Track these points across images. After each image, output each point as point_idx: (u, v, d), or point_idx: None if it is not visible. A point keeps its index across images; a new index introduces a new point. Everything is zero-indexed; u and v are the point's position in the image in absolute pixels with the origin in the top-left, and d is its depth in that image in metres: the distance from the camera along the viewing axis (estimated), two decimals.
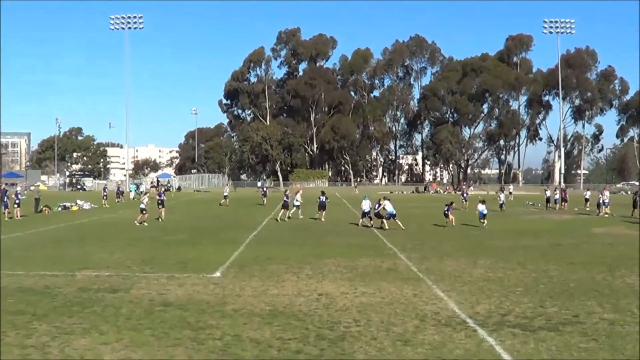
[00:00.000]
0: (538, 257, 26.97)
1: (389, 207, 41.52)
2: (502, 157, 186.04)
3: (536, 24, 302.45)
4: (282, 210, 48.55)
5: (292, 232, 38.72)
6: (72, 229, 41.90)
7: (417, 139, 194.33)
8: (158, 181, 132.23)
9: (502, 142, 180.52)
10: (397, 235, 36.49)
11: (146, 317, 15.48)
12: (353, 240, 33.84)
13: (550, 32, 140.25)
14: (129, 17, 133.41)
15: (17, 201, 51.20)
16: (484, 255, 27.47)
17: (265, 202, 73.45)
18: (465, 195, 67.77)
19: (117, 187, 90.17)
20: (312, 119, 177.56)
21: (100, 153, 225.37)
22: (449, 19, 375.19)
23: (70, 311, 16.11)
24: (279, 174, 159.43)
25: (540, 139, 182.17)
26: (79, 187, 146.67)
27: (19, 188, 64.65)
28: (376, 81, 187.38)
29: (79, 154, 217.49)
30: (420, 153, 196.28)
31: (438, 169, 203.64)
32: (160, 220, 46.35)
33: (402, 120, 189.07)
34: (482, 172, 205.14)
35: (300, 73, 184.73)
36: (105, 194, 72.56)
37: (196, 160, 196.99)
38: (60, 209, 62.16)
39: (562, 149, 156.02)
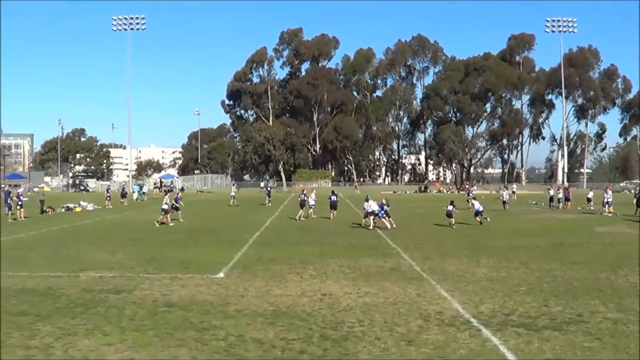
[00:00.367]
0: (541, 256, 26.95)
1: (374, 206, 41.85)
2: (505, 156, 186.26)
3: (538, 23, 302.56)
4: (301, 210, 48.86)
5: (295, 233, 38.73)
6: (76, 230, 41.91)
7: (420, 138, 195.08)
8: (161, 182, 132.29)
9: (505, 141, 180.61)
10: (400, 235, 36.47)
11: (150, 318, 15.49)
12: (356, 241, 33.82)
13: (553, 31, 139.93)
14: (132, 18, 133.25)
15: (20, 202, 51.20)
16: (486, 254, 27.44)
17: (269, 202, 73.09)
18: (470, 195, 67.59)
19: (122, 188, 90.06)
20: (314, 119, 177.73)
21: (103, 154, 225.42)
22: (451, 19, 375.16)
23: (73, 312, 16.12)
24: (282, 174, 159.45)
25: (543, 138, 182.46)
26: (82, 188, 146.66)
27: (21, 189, 64.75)
28: (379, 81, 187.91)
29: (82, 155, 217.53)
30: (423, 153, 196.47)
31: (441, 169, 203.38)
32: (179, 221, 46.05)
33: (404, 120, 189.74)
34: (485, 171, 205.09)
35: (303, 73, 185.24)
36: (108, 195, 72.47)
37: (199, 161, 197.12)
38: (63, 210, 62.20)
39: (565, 148, 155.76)
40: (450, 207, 44.47)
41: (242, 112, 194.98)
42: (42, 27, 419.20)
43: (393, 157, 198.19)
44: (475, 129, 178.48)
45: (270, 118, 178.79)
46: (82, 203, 68.32)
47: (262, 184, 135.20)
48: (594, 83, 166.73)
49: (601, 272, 22.47)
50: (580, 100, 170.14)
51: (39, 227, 42.97)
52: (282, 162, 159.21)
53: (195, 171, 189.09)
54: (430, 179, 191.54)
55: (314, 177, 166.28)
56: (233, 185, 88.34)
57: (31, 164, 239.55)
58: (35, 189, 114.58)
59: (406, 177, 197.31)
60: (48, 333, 14.10)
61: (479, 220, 44.56)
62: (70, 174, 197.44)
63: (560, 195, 65.82)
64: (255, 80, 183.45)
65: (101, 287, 19.62)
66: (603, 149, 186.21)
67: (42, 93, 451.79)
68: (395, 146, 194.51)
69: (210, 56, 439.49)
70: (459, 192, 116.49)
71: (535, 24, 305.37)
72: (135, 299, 17.79)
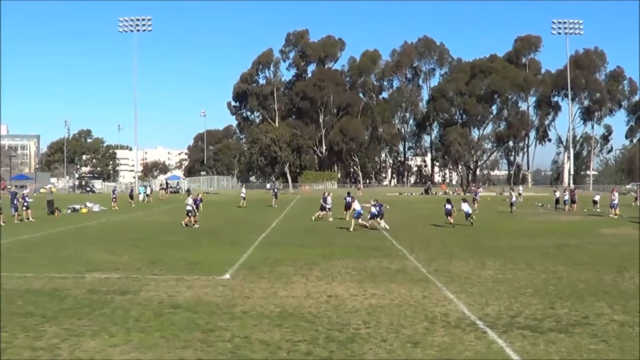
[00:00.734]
0: (547, 258, 26.95)
1: (357, 206, 42.43)
2: (511, 158, 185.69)
3: (544, 25, 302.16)
4: (320, 212, 49.28)
5: (301, 234, 38.74)
6: (82, 231, 41.94)
7: (426, 140, 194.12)
8: (167, 183, 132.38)
9: (511, 143, 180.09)
10: (405, 236, 36.48)
11: (155, 319, 15.50)
12: (361, 242, 33.82)
13: (559, 33, 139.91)
14: (138, 20, 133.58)
15: (26, 204, 51.27)
16: (492, 256, 27.45)
17: (275, 203, 73.11)
18: (476, 196, 67.51)
19: (131, 190, 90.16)
20: (320, 120, 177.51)
21: (109, 155, 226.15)
22: (457, 20, 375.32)
23: (79, 313, 16.14)
24: (288, 175, 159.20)
25: (550, 140, 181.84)
26: (88, 189, 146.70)
27: (27, 190, 64.78)
28: (385, 83, 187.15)
29: (88, 157, 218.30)
30: (429, 154, 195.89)
31: (447, 171, 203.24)
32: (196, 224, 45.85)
33: (411, 121, 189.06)
34: (491, 173, 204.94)
35: (309, 75, 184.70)
36: (114, 196, 72.55)
37: (205, 162, 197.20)
38: (69, 211, 62.25)
39: (571, 150, 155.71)
40: (448, 206, 44.74)
41: (248, 113, 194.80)
42: (49, 29, 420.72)
43: (399, 158, 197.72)
44: (481, 131, 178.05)
45: (277, 119, 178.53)
46: (88, 204, 68.35)
47: (268, 186, 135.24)
48: (600, 85, 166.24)
49: (607, 274, 22.47)
50: (586, 102, 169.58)
51: (45, 228, 43.00)
52: (288, 164, 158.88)
53: (201, 172, 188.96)
54: (436, 180, 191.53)
55: (320, 178, 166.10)
56: (242, 187, 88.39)
57: (37, 165, 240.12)
58: (42, 190, 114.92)
59: (412, 179, 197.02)
60: (54, 334, 14.12)
61: (470, 221, 44.77)
62: (77, 175, 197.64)
63: (566, 198, 65.78)
64: (262, 81, 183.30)
65: (107, 288, 19.64)
66: (609, 151, 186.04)
67: (48, 94, 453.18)
68: (401, 148, 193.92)
69: (216, 58, 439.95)
70: (465, 193, 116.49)
71: (541, 26, 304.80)
72: (141, 300, 17.81)
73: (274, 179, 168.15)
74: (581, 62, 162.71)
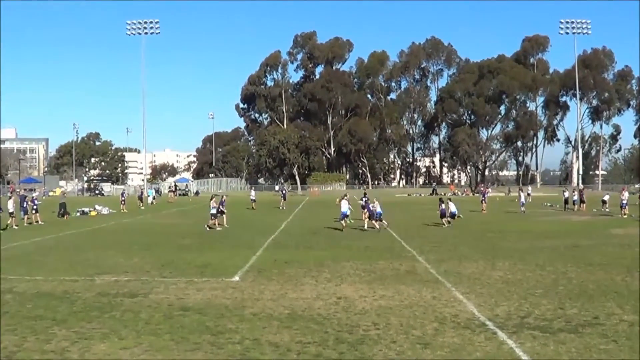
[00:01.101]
0: (556, 258, 26.89)
1: (344, 206, 42.88)
2: (520, 158, 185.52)
3: (552, 25, 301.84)
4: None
5: (310, 236, 38.73)
6: (91, 234, 42.04)
7: (435, 141, 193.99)
8: (176, 186, 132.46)
9: (519, 143, 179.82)
10: (415, 237, 36.45)
11: (165, 322, 15.52)
12: (371, 243, 33.80)
13: (567, 33, 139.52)
14: (145, 22, 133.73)
15: (35, 207, 51.42)
16: (502, 257, 27.40)
17: (283, 205, 73.04)
18: (484, 197, 67.36)
19: (140, 192, 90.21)
20: (329, 122, 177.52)
21: (118, 158, 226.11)
22: (465, 21, 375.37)
23: (89, 316, 16.17)
24: (297, 177, 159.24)
25: (558, 140, 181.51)
26: (97, 192, 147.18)
27: (36, 194, 64.97)
28: (393, 84, 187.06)
29: (96, 159, 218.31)
30: (437, 155, 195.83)
31: (456, 171, 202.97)
32: (222, 227, 45.55)
33: (419, 122, 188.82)
34: (500, 173, 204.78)
35: (317, 76, 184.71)
36: (123, 198, 72.60)
37: (214, 164, 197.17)
38: (78, 214, 62.39)
39: (580, 150, 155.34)
40: (443, 207, 44.85)
41: (257, 115, 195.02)
42: (57, 32, 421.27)
43: (407, 159, 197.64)
44: (489, 131, 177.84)
45: (285, 121, 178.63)
46: (97, 207, 68.49)
47: (276, 187, 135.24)
48: (608, 85, 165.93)
49: (617, 274, 22.40)
50: (594, 102, 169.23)
51: (54, 231, 43.09)
52: (296, 166, 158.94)
53: (210, 175, 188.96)
54: (445, 181, 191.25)
55: (328, 180, 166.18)
56: (251, 189, 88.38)
57: (46, 168, 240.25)
58: (51, 193, 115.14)
59: (421, 180, 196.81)
60: (64, 337, 14.14)
61: (449, 220, 44.92)
62: (85, 178, 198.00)
63: (576, 198, 65.64)
64: (270, 83, 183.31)
65: (117, 291, 19.67)
66: (618, 151, 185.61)
67: (56, 97, 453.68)
68: (409, 149, 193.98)
69: (224, 60, 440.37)
70: (473, 194, 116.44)
71: (549, 26, 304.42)
72: (151, 303, 17.83)
73: (282, 181, 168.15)
74: (589, 62, 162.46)
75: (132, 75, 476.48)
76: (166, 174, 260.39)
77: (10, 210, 47.16)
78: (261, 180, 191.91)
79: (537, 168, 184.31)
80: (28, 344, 13.59)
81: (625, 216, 52.60)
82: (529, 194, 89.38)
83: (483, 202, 63.89)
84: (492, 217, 55.20)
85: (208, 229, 43.39)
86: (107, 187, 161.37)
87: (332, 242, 34.61)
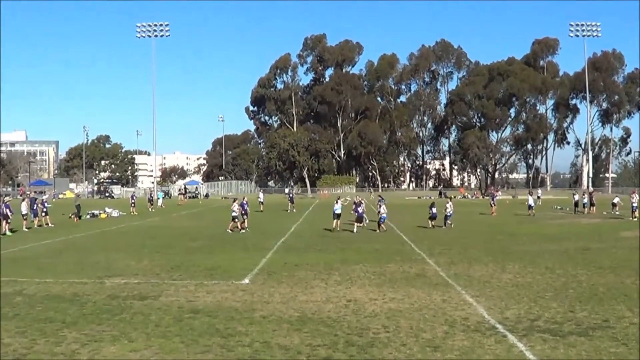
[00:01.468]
0: (567, 261, 26.85)
1: (337, 208, 43.88)
2: (530, 161, 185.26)
3: (562, 27, 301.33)
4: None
5: (320, 239, 38.71)
6: (101, 237, 42.07)
7: (445, 144, 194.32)
8: (186, 188, 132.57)
9: (529, 146, 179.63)
10: (425, 240, 36.41)
11: (175, 324, 15.52)
12: (380, 246, 33.77)
13: (577, 36, 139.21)
14: (155, 25, 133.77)
15: (45, 209, 51.53)
16: (512, 260, 27.37)
17: (292, 208, 73.00)
18: (493, 200, 67.25)
19: (150, 194, 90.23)
20: (339, 124, 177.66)
21: (128, 161, 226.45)
22: (474, 24, 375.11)
23: (99, 318, 16.19)
24: (307, 180, 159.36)
25: (568, 143, 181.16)
26: (107, 194, 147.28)
27: (46, 196, 65.06)
28: (402, 86, 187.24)
29: (106, 162, 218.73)
30: (447, 158, 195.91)
31: (465, 174, 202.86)
32: (246, 230, 45.36)
33: (429, 125, 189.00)
34: (510, 176, 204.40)
35: (327, 79, 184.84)
36: (133, 201, 72.62)
37: (223, 167, 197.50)
38: (88, 216, 62.42)
39: (590, 153, 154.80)
40: (434, 210, 45.01)
41: (266, 118, 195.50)
42: (67, 34, 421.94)
43: (417, 162, 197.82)
44: (499, 134, 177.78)
45: (295, 124, 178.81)
46: (107, 209, 68.55)
47: (286, 190, 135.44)
48: (618, 87, 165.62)
49: (627, 277, 22.34)
50: (604, 105, 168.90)
51: (64, 234, 43.16)
52: (306, 168, 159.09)
53: (220, 177, 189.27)
54: (455, 184, 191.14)
55: (338, 182, 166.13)
56: (260, 191, 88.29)
57: (56, 171, 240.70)
58: (61, 195, 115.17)
59: (430, 183, 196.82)
60: (74, 339, 14.16)
61: (450, 222, 45.26)
62: (95, 181, 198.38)
63: (586, 200, 65.49)
64: (279, 86, 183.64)
65: (127, 294, 19.70)
66: (628, 154, 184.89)
67: (67, 100, 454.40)
68: (419, 152, 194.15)
69: (234, 63, 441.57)
70: (483, 197, 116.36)
71: (558, 29, 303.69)
72: (161, 305, 17.85)
73: (292, 184, 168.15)
74: (599, 65, 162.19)
75: (142, 78, 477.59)
76: (176, 176, 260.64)
77: (24, 213, 47.40)
78: (271, 183, 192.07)
79: (547, 171, 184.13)
80: (38, 346, 13.61)
81: (636, 219, 52.42)
82: (539, 197, 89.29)
83: (492, 204, 63.86)
84: (501, 219, 55.15)
85: (230, 231, 43.31)
86: (117, 190, 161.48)
87: (342, 245, 34.58)
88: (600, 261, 26.75)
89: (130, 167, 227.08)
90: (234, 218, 44.30)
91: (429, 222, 45.65)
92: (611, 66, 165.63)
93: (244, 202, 46.53)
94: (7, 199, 52.07)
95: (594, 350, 13.05)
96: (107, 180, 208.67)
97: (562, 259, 27.73)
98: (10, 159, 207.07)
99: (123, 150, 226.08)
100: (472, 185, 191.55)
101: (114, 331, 14.85)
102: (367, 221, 46.90)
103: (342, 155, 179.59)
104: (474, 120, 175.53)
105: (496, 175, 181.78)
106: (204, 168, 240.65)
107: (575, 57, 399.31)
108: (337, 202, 44.39)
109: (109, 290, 20.28)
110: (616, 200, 64.27)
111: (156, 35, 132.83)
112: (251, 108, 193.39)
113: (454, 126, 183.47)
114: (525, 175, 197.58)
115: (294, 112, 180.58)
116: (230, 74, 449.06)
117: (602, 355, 12.74)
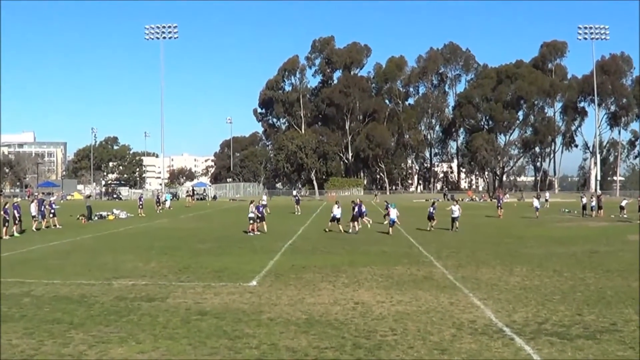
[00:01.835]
0: (574, 264, 26.83)
1: (336, 211, 44.35)
2: (538, 164, 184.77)
3: (570, 30, 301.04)
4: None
5: (328, 241, 38.67)
6: (108, 238, 42.10)
7: (452, 146, 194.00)
8: (193, 190, 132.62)
9: (537, 149, 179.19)
10: (432, 242, 36.40)
11: (183, 326, 15.55)
12: (388, 249, 33.77)
13: (585, 39, 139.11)
14: (164, 27, 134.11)
15: (53, 211, 51.62)
16: (519, 263, 27.35)
17: (298, 210, 73.05)
18: (500, 202, 67.19)
19: (157, 196, 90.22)
20: (347, 127, 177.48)
21: (136, 162, 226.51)
22: (483, 26, 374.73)
23: (107, 320, 16.22)
24: (315, 182, 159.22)
25: (576, 146, 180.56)
26: (115, 196, 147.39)
27: (53, 198, 65.14)
28: (411, 89, 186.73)
29: (114, 164, 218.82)
30: (455, 161, 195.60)
31: (473, 177, 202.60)
32: (259, 232, 45.13)
33: (437, 127, 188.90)
34: (518, 179, 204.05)
35: (335, 81, 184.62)
36: (140, 203, 72.59)
37: (231, 169, 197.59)
38: (96, 218, 62.48)
39: (598, 156, 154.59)
40: (431, 209, 44.94)
41: (275, 120, 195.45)
42: (76, 36, 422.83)
43: (425, 165, 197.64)
44: (507, 137, 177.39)
45: (303, 126, 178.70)
46: (115, 211, 68.66)
47: (294, 192, 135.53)
48: (626, 90, 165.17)
49: (634, 280, 22.32)
50: (612, 108, 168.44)
51: (72, 235, 43.22)
52: (314, 171, 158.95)
53: (228, 179, 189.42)
54: (462, 187, 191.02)
55: (346, 185, 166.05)
56: (265, 194, 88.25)
57: (64, 172, 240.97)
58: (69, 197, 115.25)
59: (438, 185, 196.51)
60: (81, 341, 14.19)
61: (457, 226, 45.17)
62: (103, 182, 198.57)
63: (594, 204, 65.39)
64: (288, 88, 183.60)
65: (134, 295, 19.73)
66: (636, 157, 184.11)
67: (75, 101, 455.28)
68: (427, 154, 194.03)
69: (242, 65, 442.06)
70: (491, 200, 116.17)
71: (567, 31, 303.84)
72: (168, 307, 17.87)
73: (299, 186, 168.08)
74: (607, 68, 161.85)
75: (151, 80, 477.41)
76: (184, 178, 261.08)
77: (33, 214, 47.54)
78: (279, 185, 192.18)
79: (555, 174, 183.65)
80: (45, 348, 13.65)
81: None
82: (547, 200, 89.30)
83: (499, 207, 63.87)
84: (509, 222, 55.10)
85: (251, 233, 43.32)
86: (124, 191, 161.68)
87: (350, 247, 34.57)
88: (608, 264, 26.74)
89: (138, 169, 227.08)
90: (250, 219, 44.35)
91: (428, 222, 45.60)
92: (619, 69, 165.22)
93: (260, 205, 46.50)
94: (16, 200, 52.16)
95: (602, 354, 13.05)
96: (115, 182, 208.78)
97: (570, 262, 27.71)
98: (19, 160, 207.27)
99: (131, 152, 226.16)
100: (480, 188, 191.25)
101: (121, 333, 14.88)
102: (371, 222, 46.99)
103: (350, 158, 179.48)
104: (482, 123, 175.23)
105: (504, 178, 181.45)
106: (212, 170, 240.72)
107: (584, 60, 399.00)
108: (336, 206, 44.44)
109: (116, 292, 20.32)
110: (624, 203, 64.23)
111: (164, 37, 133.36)
112: (259, 110, 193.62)
113: (461, 129, 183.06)
114: (533, 178, 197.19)
115: (302, 115, 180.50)
116: (239, 76, 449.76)
117: (609, 359, 12.73)
